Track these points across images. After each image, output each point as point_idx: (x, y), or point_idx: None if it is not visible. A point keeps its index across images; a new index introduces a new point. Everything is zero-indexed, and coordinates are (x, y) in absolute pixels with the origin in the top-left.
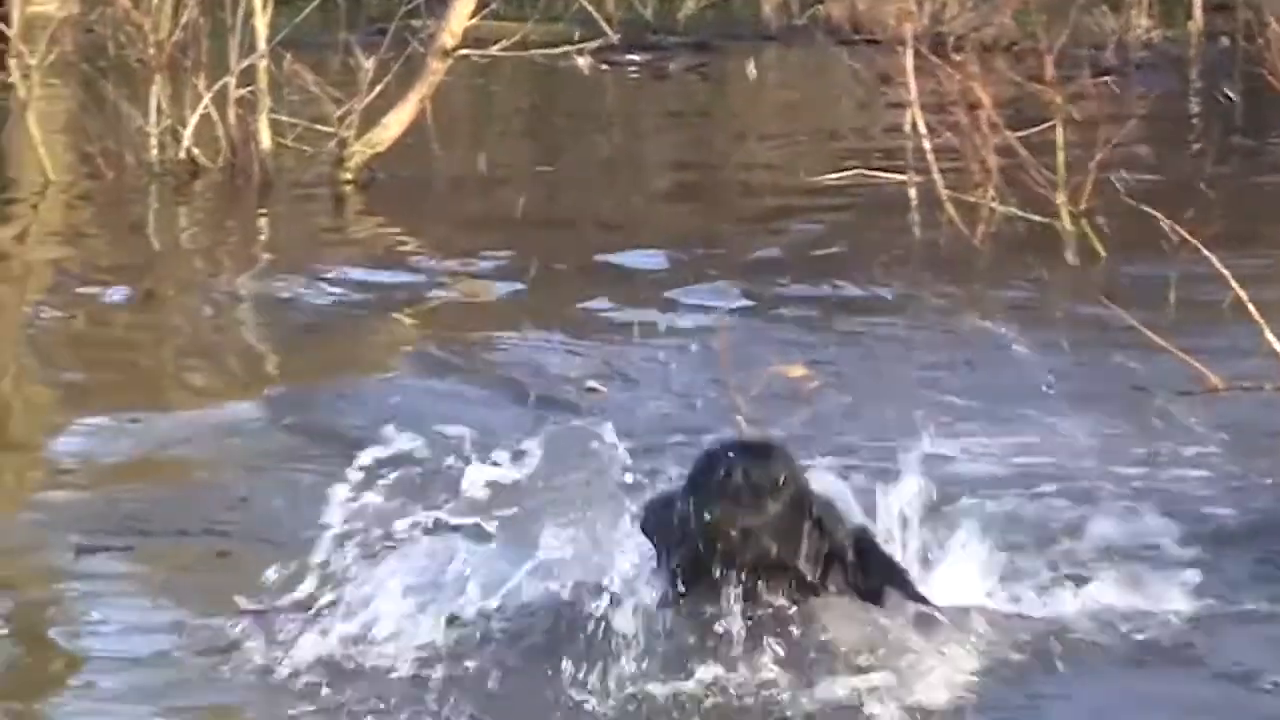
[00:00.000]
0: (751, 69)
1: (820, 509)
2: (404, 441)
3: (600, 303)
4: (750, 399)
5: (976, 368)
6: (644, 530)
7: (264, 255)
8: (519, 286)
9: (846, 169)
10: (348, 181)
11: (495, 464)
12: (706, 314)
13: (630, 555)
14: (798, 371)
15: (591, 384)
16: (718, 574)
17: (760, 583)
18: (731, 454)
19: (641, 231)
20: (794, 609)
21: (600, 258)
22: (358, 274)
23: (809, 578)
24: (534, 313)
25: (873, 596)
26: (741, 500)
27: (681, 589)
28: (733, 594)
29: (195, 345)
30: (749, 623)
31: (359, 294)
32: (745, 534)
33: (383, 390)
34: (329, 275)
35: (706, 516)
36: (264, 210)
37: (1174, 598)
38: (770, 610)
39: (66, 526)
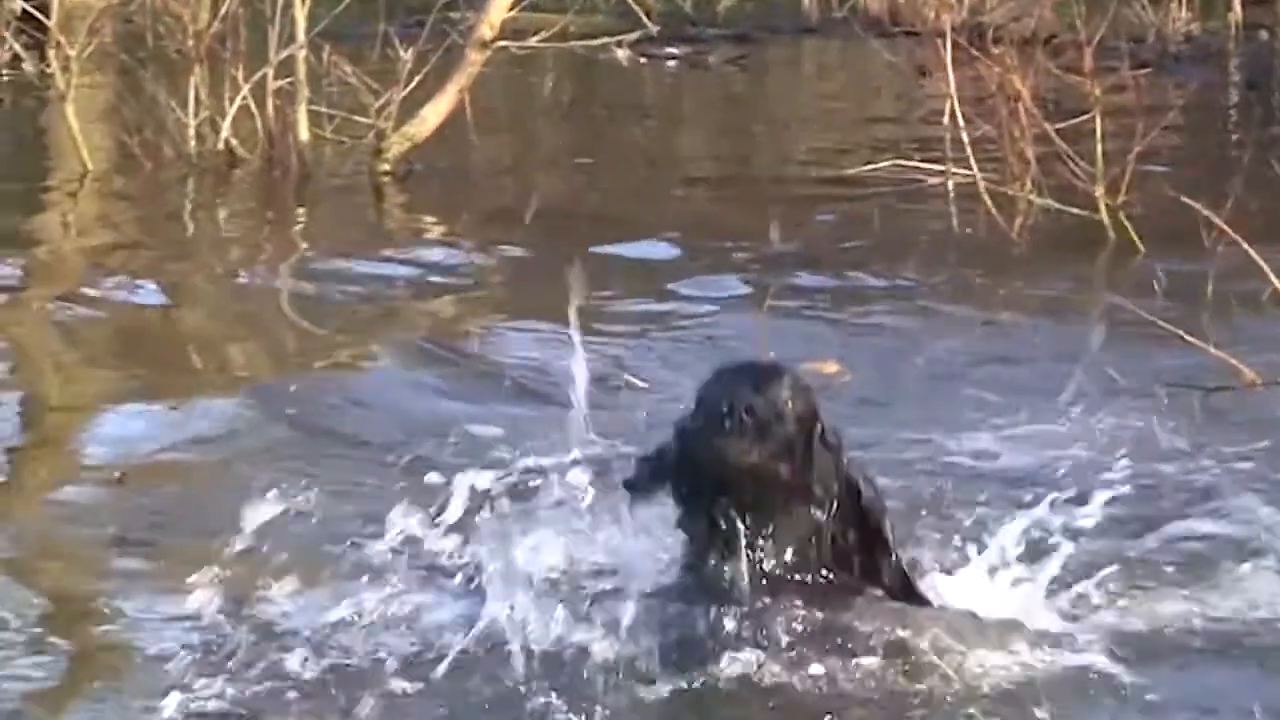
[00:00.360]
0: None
1: (834, 436)
2: (434, 442)
3: (637, 294)
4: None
5: (1011, 362)
6: (631, 486)
7: (301, 246)
8: (555, 278)
9: (884, 161)
10: (386, 173)
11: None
12: (742, 307)
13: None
14: (831, 368)
15: (629, 378)
16: (721, 521)
17: (768, 536)
18: (731, 381)
19: (678, 223)
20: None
21: (636, 249)
22: (394, 266)
23: (823, 516)
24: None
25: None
26: (743, 431)
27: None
28: (740, 546)
29: (230, 336)
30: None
31: (395, 286)
32: (747, 468)
33: (412, 387)
34: (366, 267)
35: (706, 451)
36: (302, 202)
37: (1215, 599)
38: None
39: (100, 520)
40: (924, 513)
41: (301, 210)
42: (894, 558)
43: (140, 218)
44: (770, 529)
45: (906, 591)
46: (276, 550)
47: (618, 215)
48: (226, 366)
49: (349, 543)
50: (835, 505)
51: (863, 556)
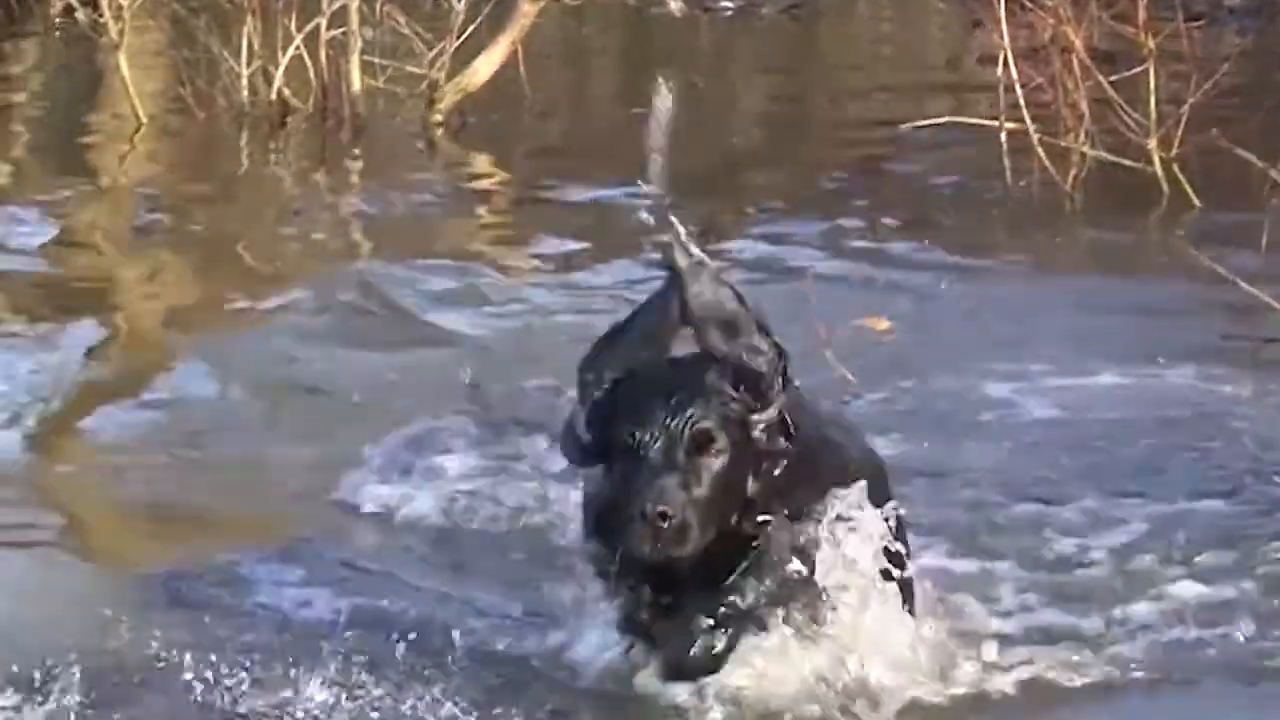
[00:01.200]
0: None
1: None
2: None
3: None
4: (837, 348)
5: (1065, 313)
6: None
7: (351, 198)
8: (603, 228)
9: (937, 114)
10: (438, 124)
11: None
12: (791, 261)
13: None
14: (882, 325)
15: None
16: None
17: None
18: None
19: (731, 177)
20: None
21: (688, 201)
22: (445, 218)
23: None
24: (618, 256)
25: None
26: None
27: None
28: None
29: (282, 288)
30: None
31: (446, 238)
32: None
33: (451, 345)
34: (416, 218)
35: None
36: (354, 152)
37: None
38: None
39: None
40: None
41: (353, 160)
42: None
43: (193, 167)
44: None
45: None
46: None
47: (672, 168)
48: (272, 313)
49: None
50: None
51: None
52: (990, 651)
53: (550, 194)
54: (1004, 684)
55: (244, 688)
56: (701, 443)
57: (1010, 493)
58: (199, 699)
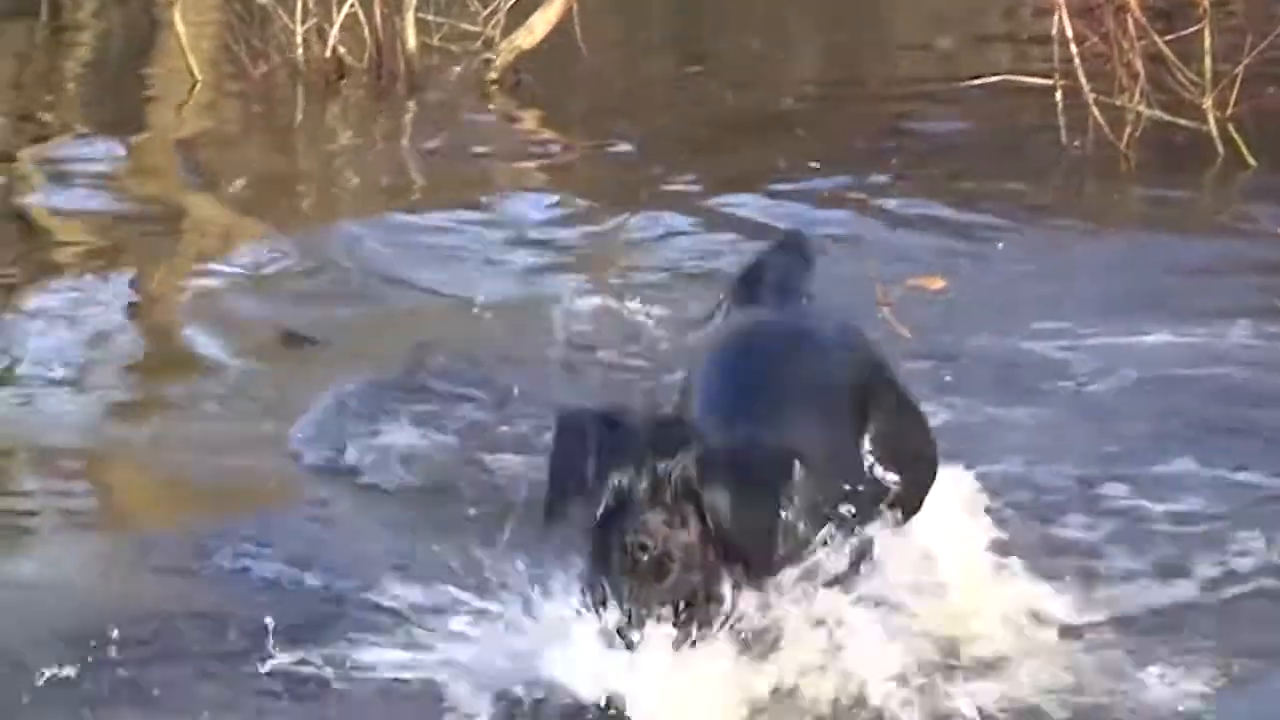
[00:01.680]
0: None
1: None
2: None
3: (742, 204)
4: (893, 306)
5: (1120, 273)
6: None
7: (405, 157)
8: (657, 189)
9: (993, 72)
10: (493, 82)
11: None
12: (848, 220)
13: None
14: (937, 283)
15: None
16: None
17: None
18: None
19: (784, 134)
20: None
21: (740, 160)
22: (498, 176)
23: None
24: (669, 215)
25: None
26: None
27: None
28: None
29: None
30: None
31: (498, 195)
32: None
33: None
34: (470, 176)
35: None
36: (408, 111)
37: None
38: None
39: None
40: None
41: (407, 119)
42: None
43: (247, 126)
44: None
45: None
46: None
47: (724, 124)
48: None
49: None
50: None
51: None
52: (1053, 615)
53: (599, 153)
54: (1068, 650)
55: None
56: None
57: (1066, 453)
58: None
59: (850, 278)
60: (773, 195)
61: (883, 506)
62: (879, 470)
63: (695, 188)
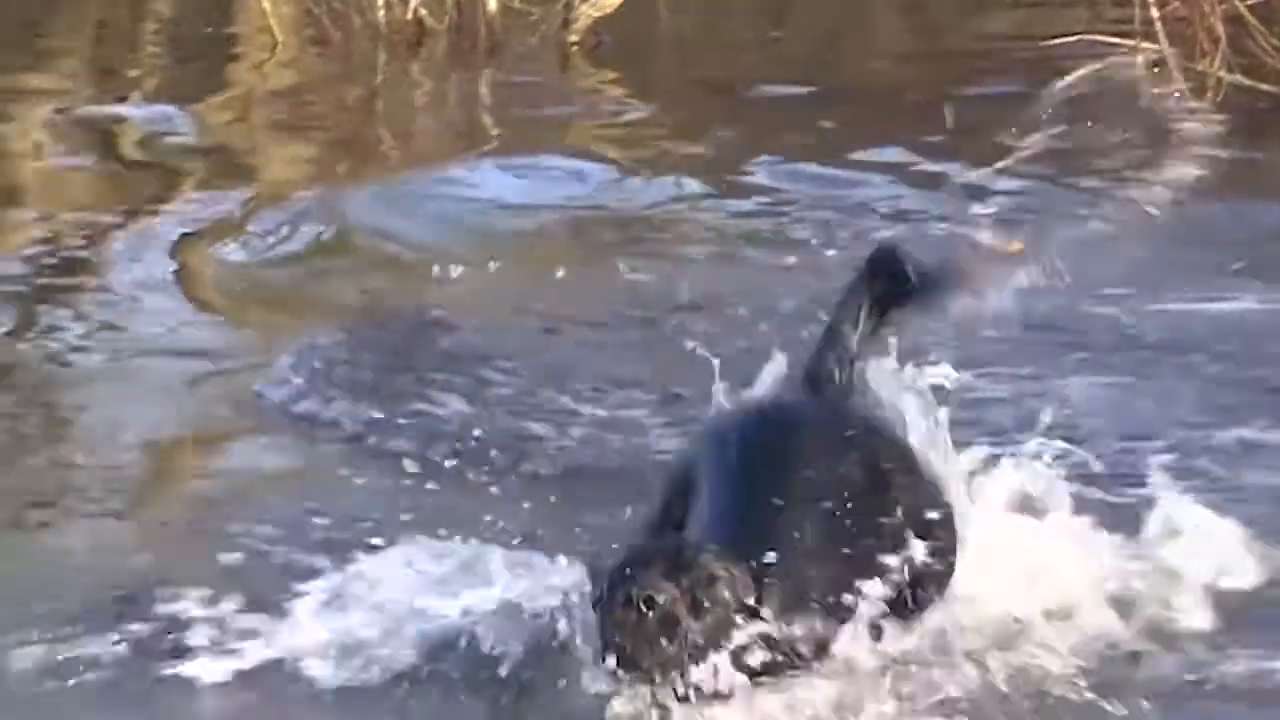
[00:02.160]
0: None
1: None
2: None
3: (821, 173)
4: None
5: (1201, 239)
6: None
7: (486, 117)
8: (736, 150)
9: (1073, 34)
10: (573, 44)
11: None
12: (926, 184)
13: None
14: (1014, 247)
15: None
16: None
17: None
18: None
19: (865, 101)
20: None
21: (820, 127)
22: (579, 139)
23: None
24: (755, 179)
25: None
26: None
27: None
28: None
29: (415, 212)
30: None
31: (581, 161)
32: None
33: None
34: (549, 139)
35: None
36: (488, 72)
37: None
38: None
39: None
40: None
41: (487, 81)
42: None
43: (327, 88)
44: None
45: None
46: None
47: (805, 89)
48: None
49: None
50: None
51: None
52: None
53: (674, 118)
54: (1133, 627)
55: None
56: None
57: (1150, 422)
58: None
59: (930, 243)
60: (849, 164)
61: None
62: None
63: (762, 156)
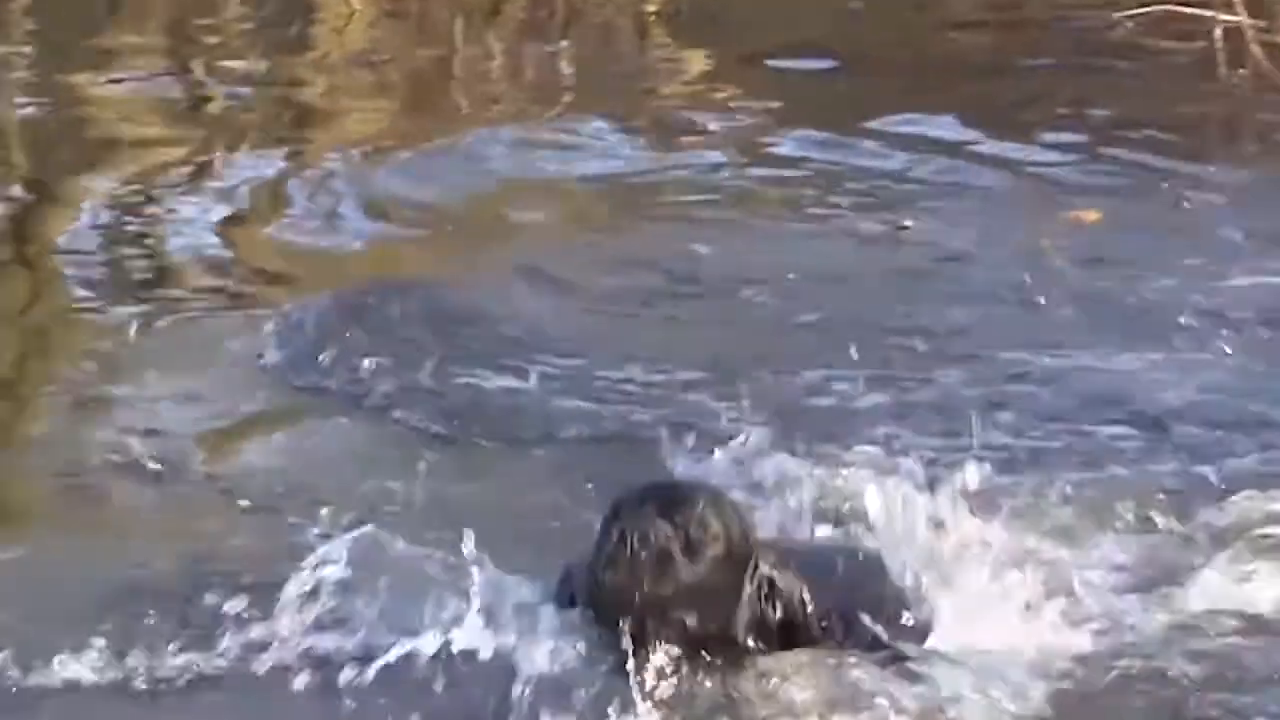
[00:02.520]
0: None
1: (773, 566)
2: None
3: (898, 148)
4: (1053, 243)
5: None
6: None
7: (562, 86)
8: (818, 116)
9: (1151, 4)
10: (652, 13)
11: None
12: (1001, 153)
13: None
14: (1091, 216)
15: (905, 222)
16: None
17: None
18: (638, 505)
19: (941, 70)
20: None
21: (900, 98)
22: (654, 108)
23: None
24: (831, 148)
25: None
26: (644, 564)
27: None
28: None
29: (490, 179)
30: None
31: (655, 130)
32: (650, 604)
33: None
34: (626, 107)
35: (599, 584)
36: (565, 40)
37: None
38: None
39: None
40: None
41: (564, 48)
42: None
43: (403, 55)
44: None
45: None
46: None
47: (885, 60)
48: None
49: None
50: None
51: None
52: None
53: (746, 90)
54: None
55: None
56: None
57: (1222, 403)
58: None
59: (1005, 210)
60: (911, 147)
61: None
62: None
63: (806, 130)
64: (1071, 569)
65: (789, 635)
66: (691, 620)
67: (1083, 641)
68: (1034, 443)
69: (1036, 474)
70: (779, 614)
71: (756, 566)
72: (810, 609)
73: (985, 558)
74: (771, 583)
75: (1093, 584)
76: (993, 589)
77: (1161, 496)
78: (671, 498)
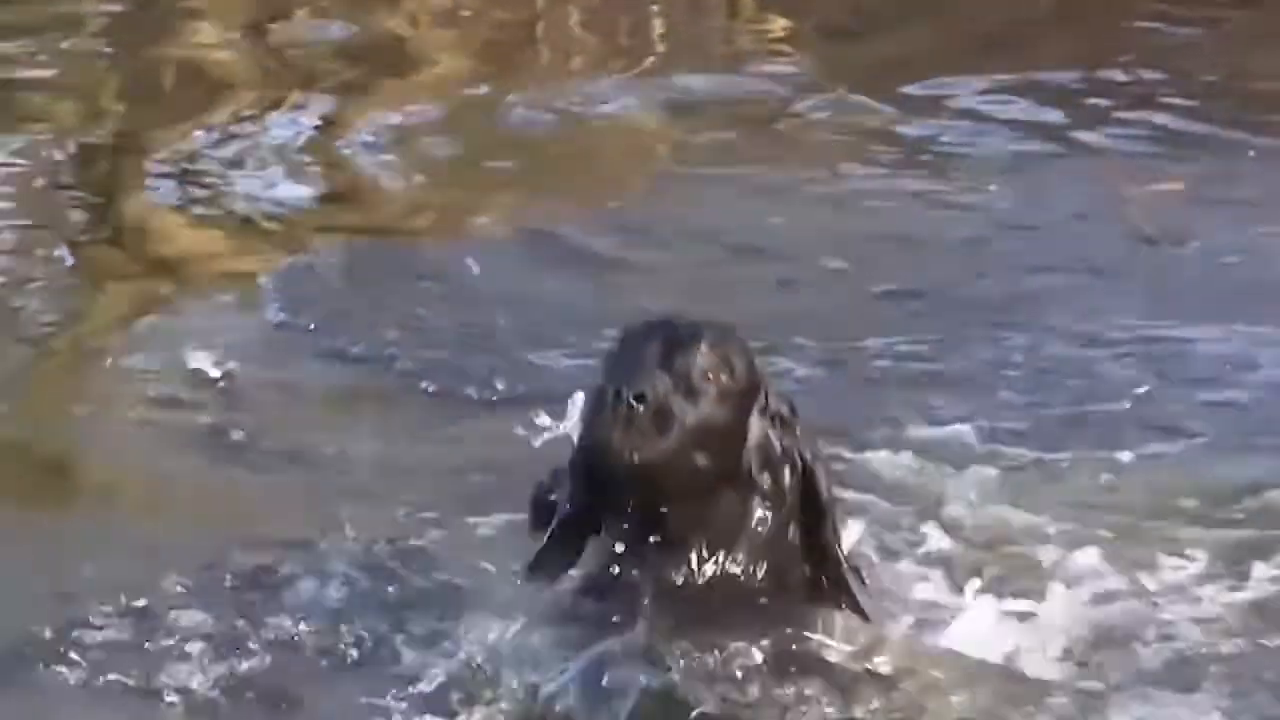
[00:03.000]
0: None
1: (784, 408)
2: None
3: (993, 116)
4: (1141, 212)
5: None
6: (535, 567)
7: (647, 57)
8: (900, 87)
9: None
10: None
11: None
12: (1087, 118)
13: None
14: (1176, 185)
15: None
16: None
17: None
18: (628, 354)
19: (1034, 45)
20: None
21: (992, 69)
22: (740, 77)
23: (766, 513)
24: (915, 122)
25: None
26: (631, 420)
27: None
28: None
29: (565, 142)
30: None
31: (741, 94)
32: (651, 465)
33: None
34: (711, 76)
35: (589, 446)
36: (654, 7)
37: None
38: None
39: None
40: None
41: (652, 15)
42: (840, 565)
43: (484, 16)
44: (692, 535)
45: (850, 603)
46: None
47: (974, 36)
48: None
49: None
50: (784, 498)
51: (807, 561)
52: None
53: (833, 63)
54: None
55: None
56: (683, 371)
57: None
58: None
59: (1092, 179)
60: (1022, 114)
61: None
62: None
63: (878, 95)
64: (1136, 545)
65: (807, 498)
66: (699, 462)
67: (1140, 621)
68: (1102, 414)
69: (1102, 446)
70: (790, 466)
71: (766, 404)
72: (821, 461)
73: (1047, 530)
74: (782, 419)
75: (1156, 562)
76: (1053, 557)
77: (1233, 473)
78: (667, 341)
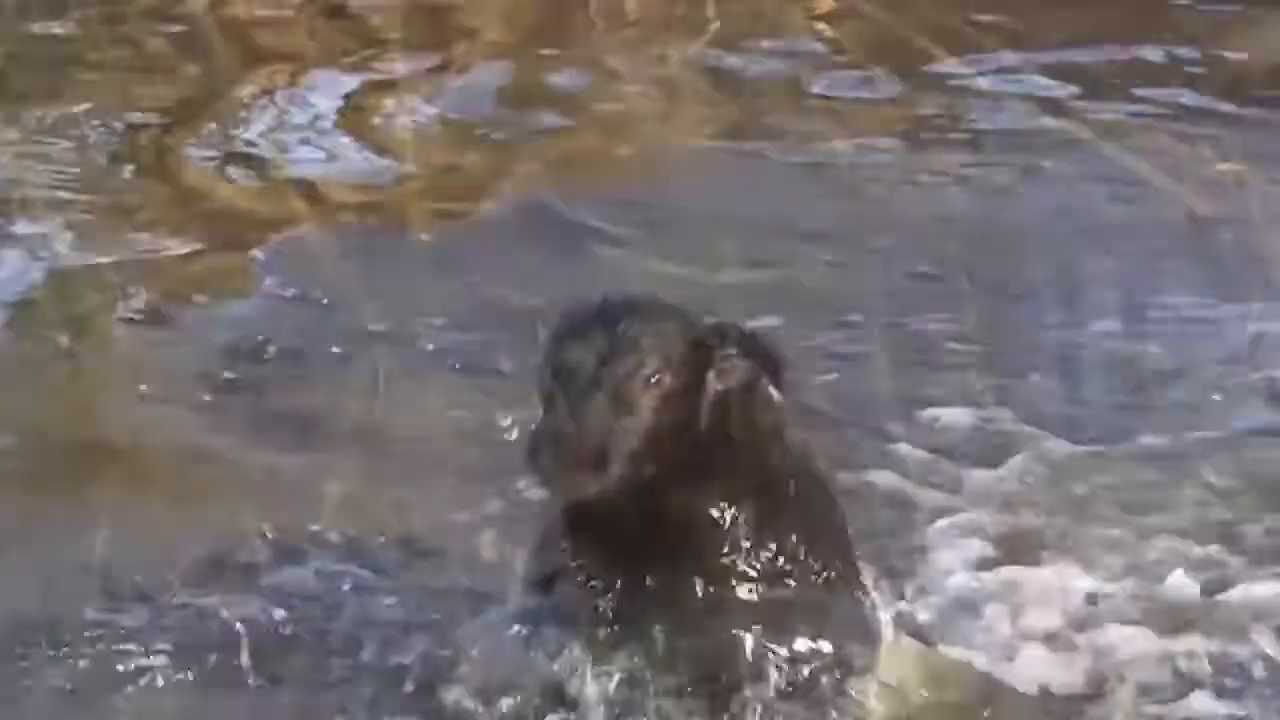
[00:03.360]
0: None
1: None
2: None
3: (1052, 94)
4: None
5: None
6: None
7: (708, 25)
8: (944, 64)
9: None
10: None
11: None
12: (1147, 108)
13: None
14: (1238, 168)
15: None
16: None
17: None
18: (579, 342)
19: (1092, 23)
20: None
21: (1038, 46)
22: (803, 50)
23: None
24: (961, 100)
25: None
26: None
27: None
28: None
29: (622, 113)
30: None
31: (785, 69)
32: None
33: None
34: (775, 48)
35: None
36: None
37: None
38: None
39: None
40: None
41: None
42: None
43: None
44: (671, 510)
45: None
46: None
47: (1010, 21)
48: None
49: None
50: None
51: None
52: None
53: (879, 69)
54: None
55: None
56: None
57: None
58: None
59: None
60: (1081, 96)
61: None
62: None
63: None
64: (1179, 538)
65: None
66: (650, 463)
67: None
68: (1146, 399)
69: (1153, 431)
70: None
71: (712, 362)
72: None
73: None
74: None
75: (1208, 556)
76: (1107, 535)
77: None
78: (600, 354)
